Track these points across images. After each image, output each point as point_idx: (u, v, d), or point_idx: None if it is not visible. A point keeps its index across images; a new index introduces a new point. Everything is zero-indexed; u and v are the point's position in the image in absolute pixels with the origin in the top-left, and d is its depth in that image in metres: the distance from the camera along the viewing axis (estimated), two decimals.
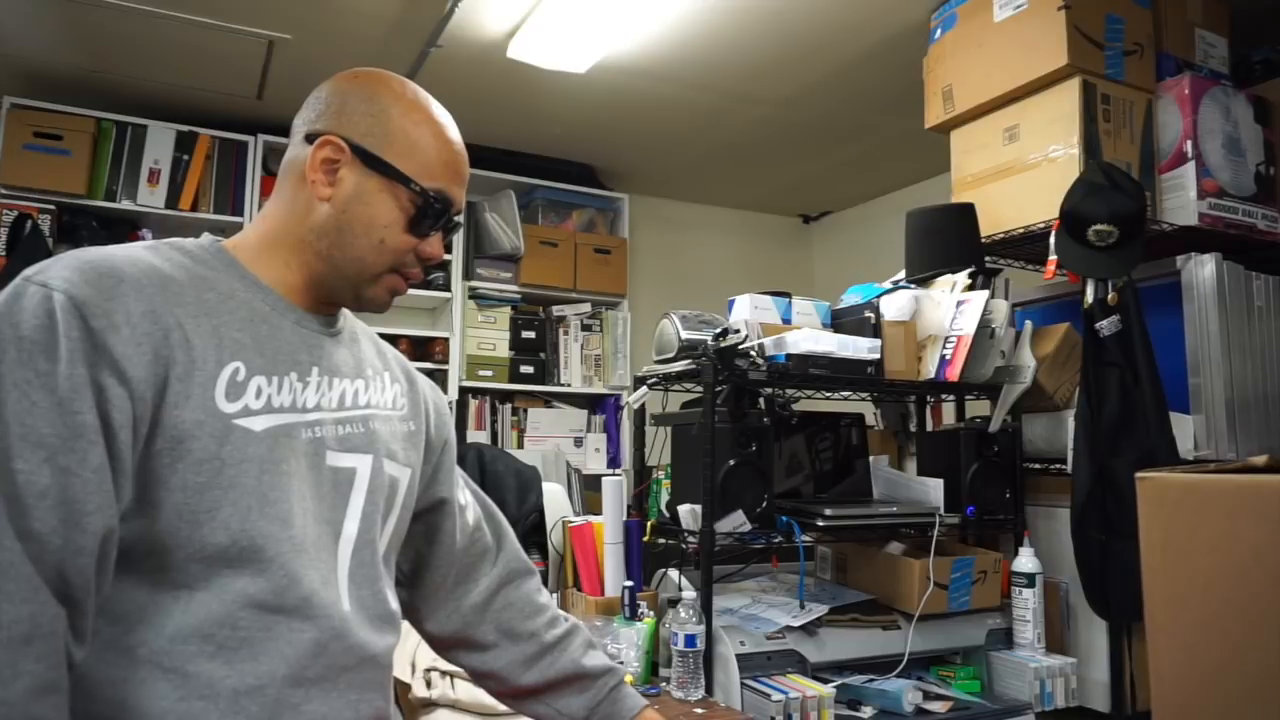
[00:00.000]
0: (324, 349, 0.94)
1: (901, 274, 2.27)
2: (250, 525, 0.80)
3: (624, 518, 1.94)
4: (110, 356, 0.75)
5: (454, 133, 0.96)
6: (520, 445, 3.76)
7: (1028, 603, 1.93)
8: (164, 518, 0.77)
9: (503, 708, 1.36)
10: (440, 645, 1.13)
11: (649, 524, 1.97)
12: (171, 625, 0.78)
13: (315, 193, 0.91)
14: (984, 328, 1.98)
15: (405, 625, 1.02)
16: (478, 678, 1.13)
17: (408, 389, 1.06)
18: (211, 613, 0.78)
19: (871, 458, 2.25)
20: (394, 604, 0.96)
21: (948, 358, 1.98)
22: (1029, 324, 2.17)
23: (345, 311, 1.02)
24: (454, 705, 1.39)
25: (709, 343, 1.85)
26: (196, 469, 0.78)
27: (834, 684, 1.75)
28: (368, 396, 0.97)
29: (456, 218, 0.97)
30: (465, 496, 1.14)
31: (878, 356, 1.92)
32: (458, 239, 3.69)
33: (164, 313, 0.80)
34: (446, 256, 3.64)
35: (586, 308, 3.95)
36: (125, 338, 0.76)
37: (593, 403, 3.99)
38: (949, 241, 2.20)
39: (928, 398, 2.41)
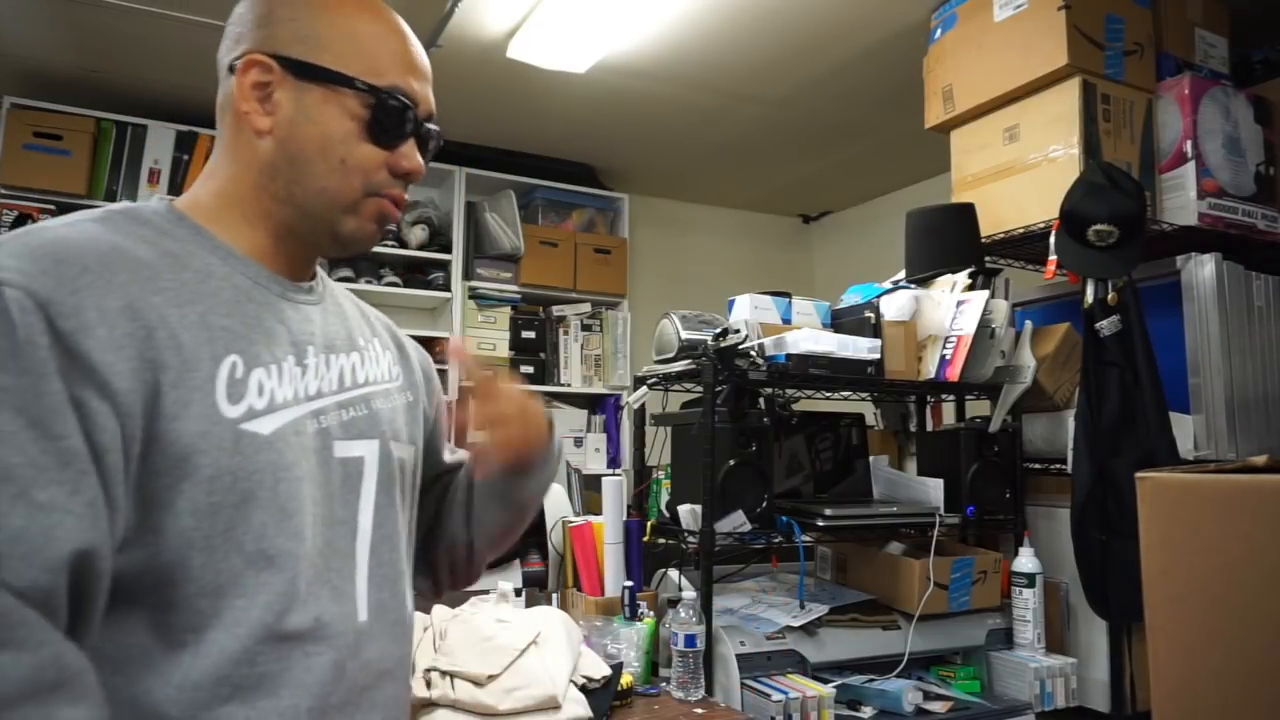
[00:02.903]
0: (315, 323, 0.83)
1: (901, 274, 2.27)
2: (267, 544, 0.71)
3: (624, 518, 1.94)
4: (88, 365, 0.64)
5: (401, 22, 0.85)
6: None
7: (1028, 603, 1.93)
8: (171, 547, 0.68)
9: (503, 707, 1.36)
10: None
11: (649, 524, 1.97)
12: (180, 674, 0.68)
13: (253, 126, 0.79)
14: (984, 328, 1.98)
15: None
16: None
17: (399, 356, 0.96)
18: (226, 652, 0.69)
19: (871, 458, 2.25)
20: (410, 605, 0.88)
21: (948, 358, 1.98)
22: (1029, 324, 2.17)
23: (320, 275, 0.91)
24: (454, 705, 1.39)
25: (709, 343, 1.85)
26: (207, 487, 0.68)
27: (834, 684, 1.75)
28: (365, 372, 0.87)
29: (430, 123, 0.84)
30: (456, 454, 1.07)
31: (878, 356, 1.92)
32: (458, 238, 3.69)
33: (143, 305, 0.68)
34: (445, 256, 3.66)
35: (586, 308, 3.96)
36: (103, 340, 0.65)
37: (593, 403, 3.99)
38: (949, 241, 2.20)
39: (928, 398, 2.41)
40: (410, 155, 0.82)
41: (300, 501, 0.74)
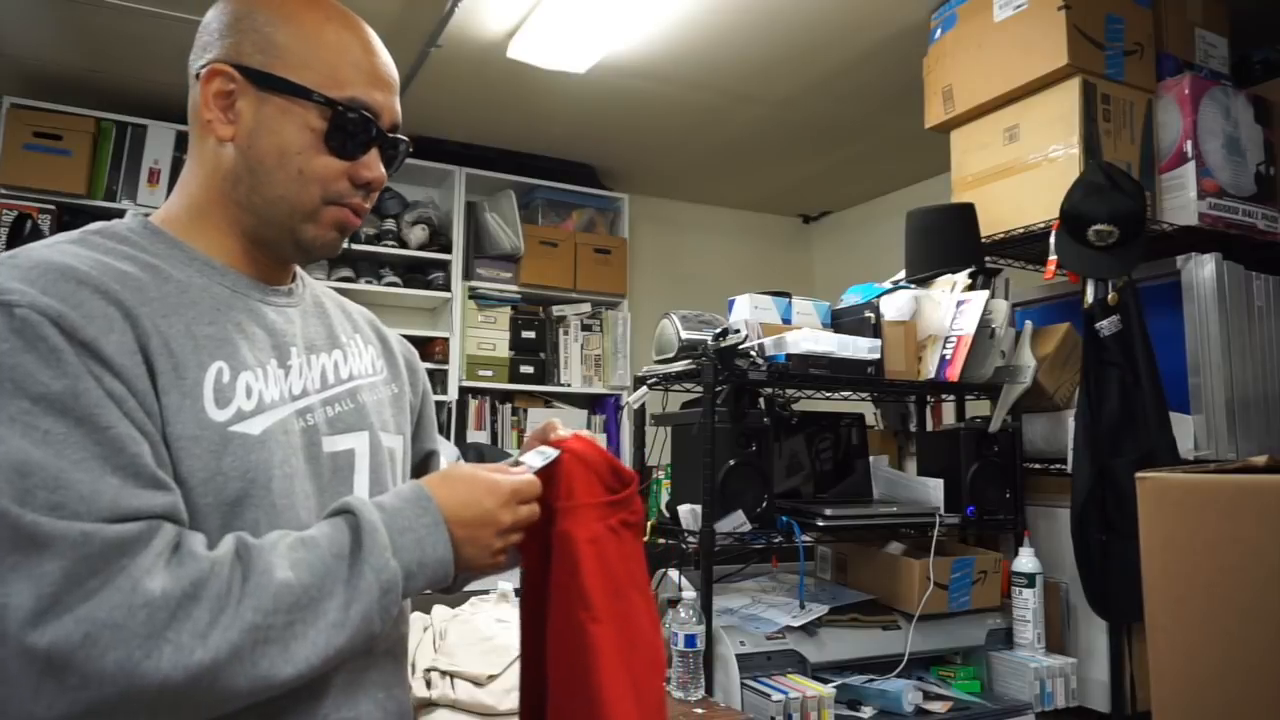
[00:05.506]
0: (296, 324, 0.86)
1: (901, 274, 2.27)
2: None
3: None
4: (114, 366, 0.68)
5: (366, 31, 0.85)
6: (520, 445, 3.75)
7: (1028, 603, 1.93)
8: None
9: (503, 707, 1.36)
10: None
11: (649, 524, 1.97)
12: None
13: (216, 134, 0.81)
14: (984, 328, 1.98)
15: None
16: None
17: (383, 349, 0.99)
18: None
19: (871, 458, 2.25)
20: None
21: (948, 358, 1.98)
22: (1029, 324, 2.17)
23: (300, 275, 0.93)
24: (454, 705, 1.39)
25: (709, 343, 1.85)
26: (200, 490, 0.72)
27: (834, 684, 1.75)
28: (349, 367, 0.90)
29: (395, 133, 0.86)
30: (443, 444, 1.10)
31: (878, 356, 1.92)
32: (458, 238, 3.69)
33: (138, 314, 0.71)
34: (445, 256, 3.66)
35: (586, 308, 3.96)
36: (117, 345, 0.68)
37: (593, 403, 3.99)
38: (949, 241, 2.20)
39: (928, 398, 2.41)
40: (371, 166, 0.84)
41: (293, 497, 0.77)
